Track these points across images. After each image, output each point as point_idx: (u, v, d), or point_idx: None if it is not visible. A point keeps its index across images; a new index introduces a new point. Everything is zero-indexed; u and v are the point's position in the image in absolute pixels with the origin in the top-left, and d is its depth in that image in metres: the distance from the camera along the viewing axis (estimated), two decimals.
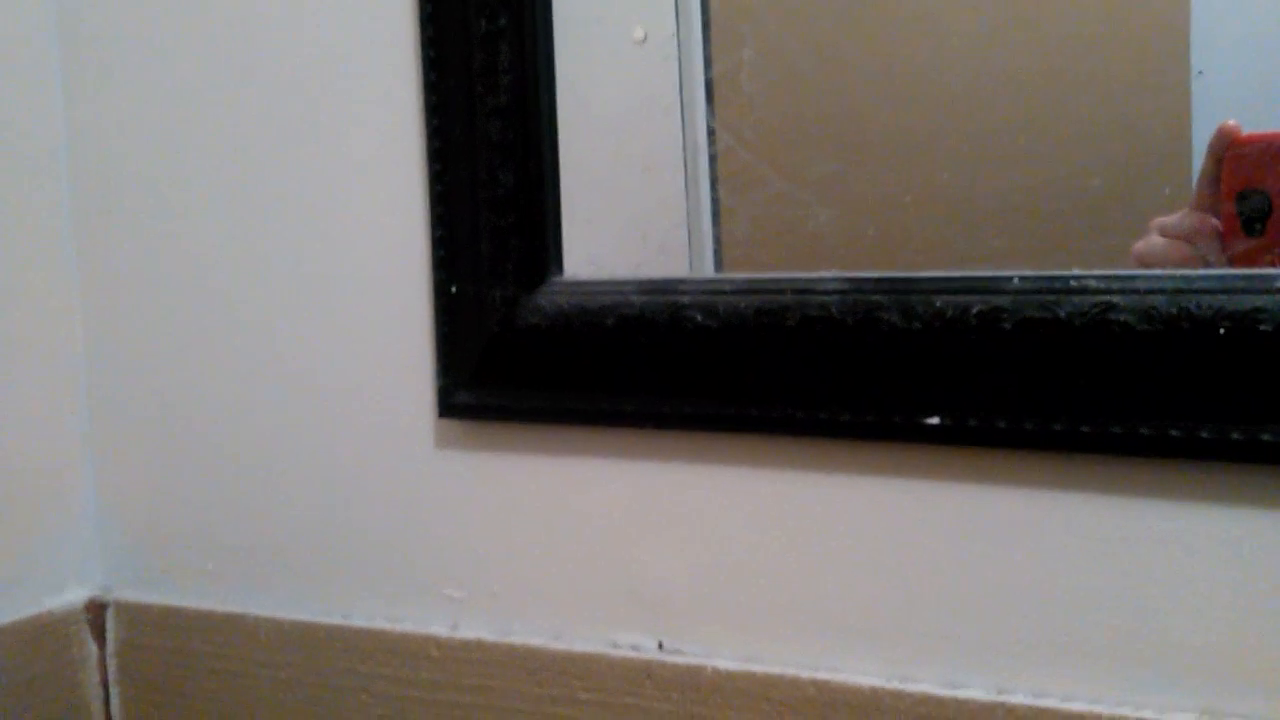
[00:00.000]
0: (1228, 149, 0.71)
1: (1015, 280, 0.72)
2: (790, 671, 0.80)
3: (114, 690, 1.04)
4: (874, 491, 0.78)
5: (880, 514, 0.78)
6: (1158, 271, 0.70)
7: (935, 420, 0.74)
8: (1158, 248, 0.72)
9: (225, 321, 0.98)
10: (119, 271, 1.03)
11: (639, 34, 0.85)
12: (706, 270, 0.85)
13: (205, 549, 1.01)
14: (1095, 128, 0.75)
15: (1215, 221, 0.71)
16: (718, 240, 0.84)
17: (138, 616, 1.03)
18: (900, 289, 0.74)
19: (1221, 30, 0.72)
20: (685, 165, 0.85)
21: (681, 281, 0.81)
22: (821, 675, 0.79)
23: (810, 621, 0.80)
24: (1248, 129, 0.71)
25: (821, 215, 0.80)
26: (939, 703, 0.75)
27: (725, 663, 0.82)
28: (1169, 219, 0.72)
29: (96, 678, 1.03)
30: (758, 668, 0.80)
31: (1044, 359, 0.71)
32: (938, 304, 0.73)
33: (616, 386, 0.83)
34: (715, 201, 0.84)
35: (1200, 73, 0.72)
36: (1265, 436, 0.67)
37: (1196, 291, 0.68)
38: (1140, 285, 0.69)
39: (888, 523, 0.78)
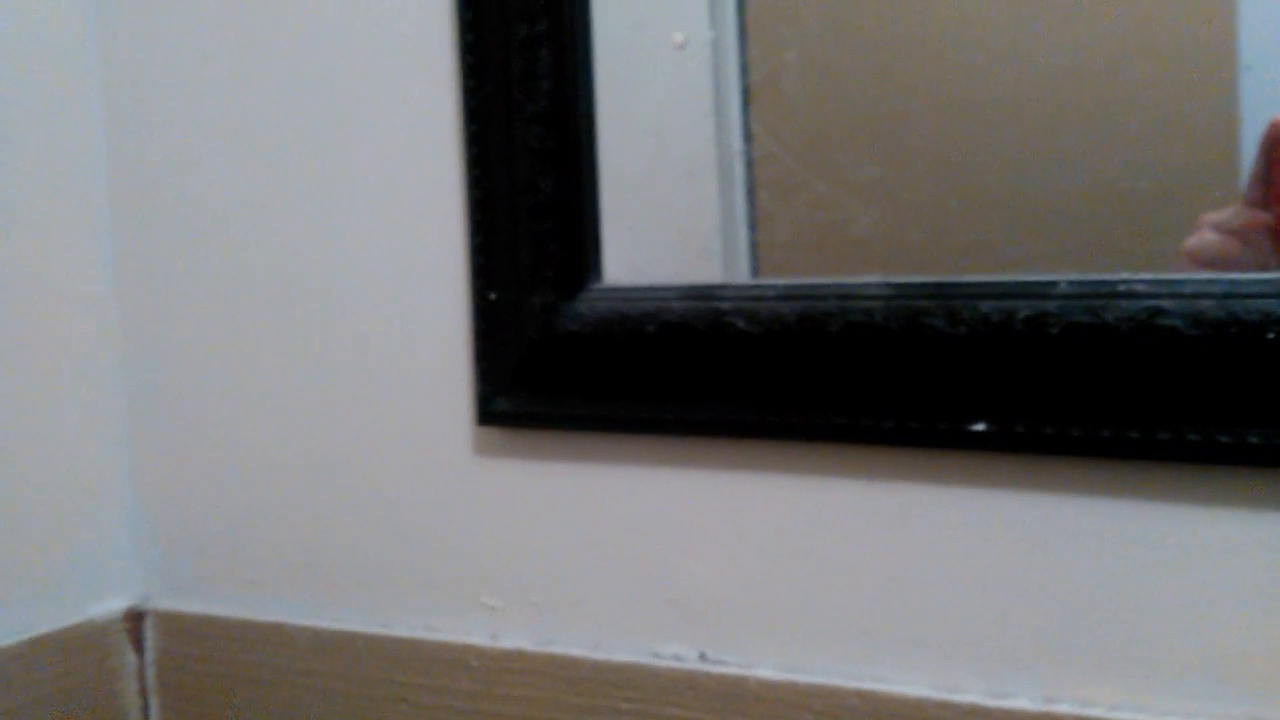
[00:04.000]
0: (1278, 146, 0.70)
1: (1062, 285, 0.71)
2: (834, 682, 0.79)
3: (152, 699, 1.04)
4: (919, 499, 0.77)
5: (925, 522, 0.77)
6: (1206, 275, 0.69)
7: (981, 426, 0.73)
8: (1210, 244, 0.71)
9: (264, 330, 0.98)
10: (157, 279, 1.03)
11: (679, 38, 0.85)
12: (745, 276, 0.84)
13: (243, 558, 1.01)
14: (1142, 127, 0.74)
15: (1268, 218, 0.70)
16: (756, 245, 0.84)
17: (176, 625, 1.03)
18: (945, 294, 0.74)
19: (1270, 23, 0.71)
20: (726, 170, 0.84)
21: (723, 288, 0.81)
22: (866, 685, 0.78)
23: (854, 631, 0.79)
24: None
25: (864, 219, 0.79)
26: (986, 713, 0.75)
27: (768, 673, 0.81)
28: (1221, 215, 0.71)
29: (135, 687, 1.03)
30: (801, 678, 0.80)
31: (1091, 364, 0.70)
32: (983, 309, 0.72)
33: (657, 394, 0.82)
34: (755, 206, 0.83)
35: (1249, 67, 0.71)
36: None
37: (1245, 296, 0.67)
38: (1188, 289, 0.69)
39: (932, 531, 0.77)
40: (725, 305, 0.79)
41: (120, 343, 1.04)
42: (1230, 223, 0.71)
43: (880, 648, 0.79)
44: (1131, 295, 0.69)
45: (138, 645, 1.03)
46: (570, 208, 0.84)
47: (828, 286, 0.77)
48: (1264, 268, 0.70)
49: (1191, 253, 0.72)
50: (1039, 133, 0.77)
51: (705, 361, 0.80)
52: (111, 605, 1.03)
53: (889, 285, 0.76)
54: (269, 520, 1.00)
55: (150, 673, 1.04)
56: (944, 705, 0.76)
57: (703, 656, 0.84)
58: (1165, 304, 0.69)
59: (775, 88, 0.82)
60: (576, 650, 0.87)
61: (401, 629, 0.94)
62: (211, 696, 1.01)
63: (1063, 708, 0.73)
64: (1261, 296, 0.67)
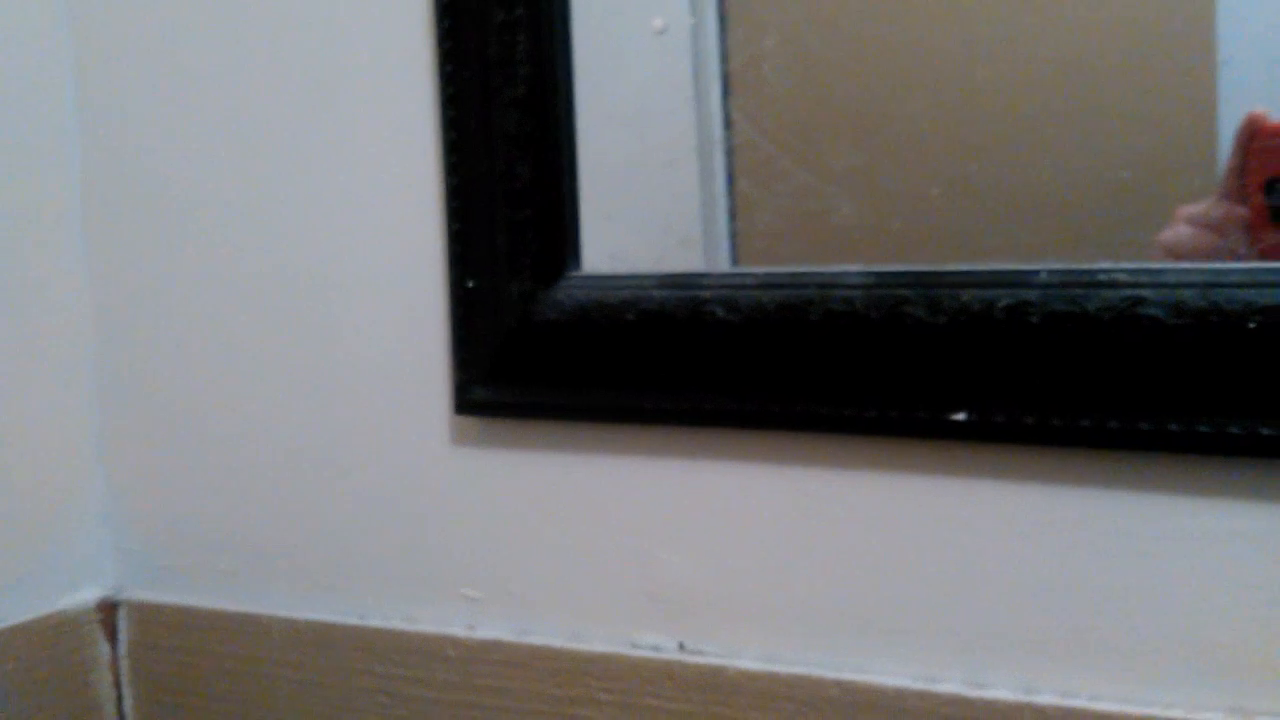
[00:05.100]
0: (1254, 138, 0.70)
1: (1043, 274, 0.71)
2: (813, 672, 0.79)
3: (126, 691, 1.03)
4: (899, 489, 0.77)
5: (905, 512, 0.77)
6: (1187, 265, 0.69)
7: (961, 416, 0.73)
8: (1185, 237, 0.71)
9: (237, 318, 0.98)
10: (129, 268, 1.02)
11: (658, 24, 0.84)
12: (726, 264, 0.84)
13: (218, 548, 1.00)
14: (1121, 118, 0.74)
15: (1243, 211, 0.70)
16: (737, 234, 0.84)
17: (150, 616, 1.02)
18: (926, 283, 0.74)
19: (1248, 17, 0.71)
20: (706, 157, 0.84)
21: (703, 276, 0.80)
22: (845, 676, 0.78)
23: (834, 621, 0.79)
24: (1276, 117, 0.70)
25: (845, 208, 0.79)
26: (965, 703, 0.75)
27: (747, 663, 0.81)
28: (1196, 208, 0.71)
29: (109, 678, 1.03)
30: (780, 668, 0.80)
31: (1072, 354, 0.70)
32: (964, 298, 0.72)
33: (636, 382, 0.82)
34: (735, 194, 0.83)
35: (1227, 61, 0.71)
36: None
37: (1226, 285, 0.67)
38: (1169, 279, 0.69)
39: (912, 520, 0.77)
40: (705, 293, 0.79)
41: (92, 332, 1.04)
42: (1205, 216, 0.71)
43: (860, 638, 0.79)
44: (1113, 284, 0.69)
45: (111, 636, 1.03)
46: (549, 195, 0.83)
47: (808, 275, 0.77)
48: (1241, 261, 0.70)
49: (1166, 246, 0.72)
50: (1020, 122, 0.77)
51: (685, 350, 0.80)
52: (85, 596, 1.02)
53: (869, 274, 0.75)
54: (244, 510, 0.99)
55: (124, 664, 1.03)
56: (924, 695, 0.76)
57: (682, 647, 0.84)
58: (1146, 293, 0.69)
59: (756, 75, 0.82)
60: (555, 641, 0.87)
61: (378, 619, 0.93)
62: (186, 687, 1.00)
63: (1043, 698, 0.73)
64: (1243, 286, 0.67)
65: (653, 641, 0.85)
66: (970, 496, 0.75)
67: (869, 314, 0.74)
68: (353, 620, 0.94)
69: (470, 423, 0.89)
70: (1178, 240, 0.71)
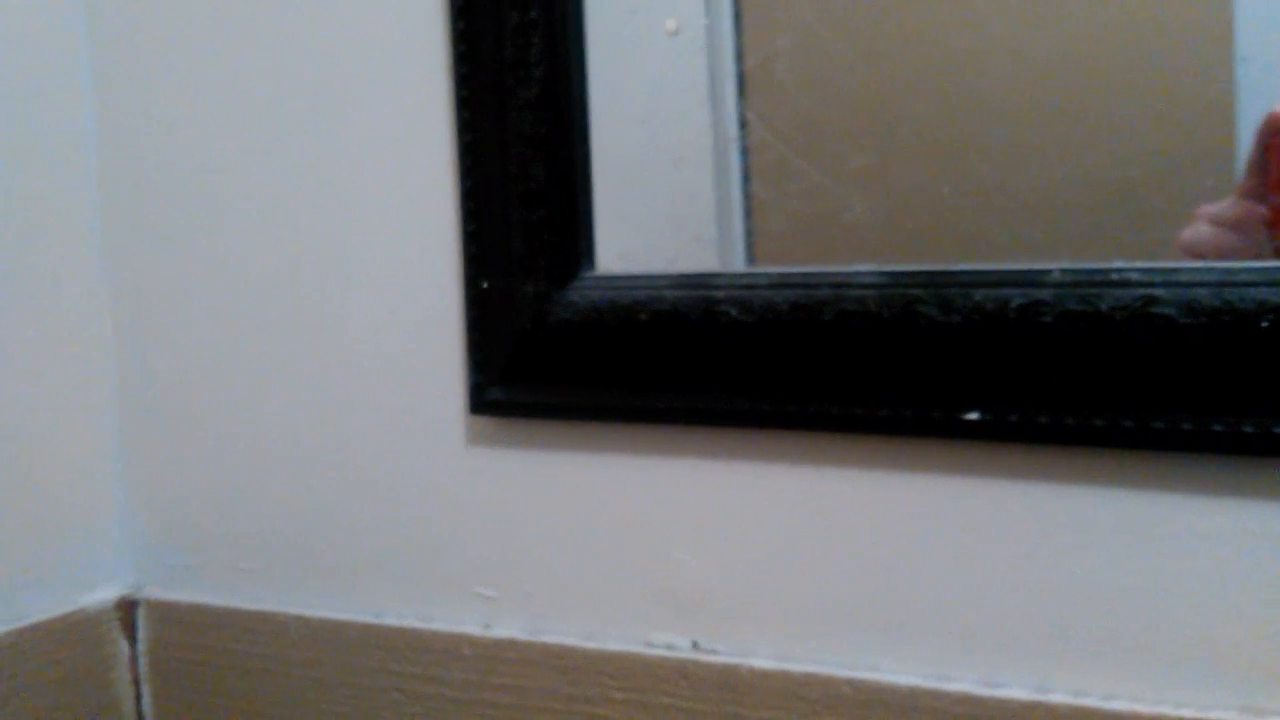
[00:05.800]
0: (1275, 137, 0.70)
1: (1056, 273, 0.71)
2: (826, 670, 0.79)
3: (145, 688, 1.04)
4: (911, 488, 0.77)
5: (918, 511, 0.77)
6: (1200, 264, 0.69)
7: (974, 415, 0.73)
8: (1205, 236, 0.71)
9: (254, 317, 0.98)
10: (147, 267, 1.03)
11: (671, 25, 0.84)
12: (740, 264, 0.84)
13: (236, 547, 1.01)
14: (1137, 117, 0.74)
15: (1263, 210, 0.70)
16: (751, 234, 0.84)
17: (168, 614, 1.03)
18: (939, 282, 0.74)
19: (1267, 14, 0.71)
20: (720, 158, 0.84)
21: (715, 276, 0.80)
22: (858, 674, 0.78)
23: (847, 620, 0.79)
24: None
25: (858, 207, 0.79)
26: (978, 702, 0.75)
27: (761, 662, 0.81)
28: (1216, 207, 0.71)
29: (127, 676, 1.03)
30: (793, 667, 0.80)
31: (1085, 353, 0.70)
32: (977, 297, 0.72)
33: (650, 382, 0.82)
34: (749, 194, 0.83)
35: (1245, 59, 0.71)
36: None
37: (1239, 284, 0.67)
38: (1183, 278, 0.68)
39: (925, 520, 0.77)
40: (718, 294, 0.79)
41: (111, 332, 1.04)
42: (1225, 215, 0.71)
43: (873, 636, 0.79)
44: (1125, 284, 0.69)
45: (130, 634, 1.03)
46: (563, 195, 0.84)
47: (821, 275, 0.77)
48: (1259, 260, 0.70)
49: (1186, 246, 0.72)
50: (1034, 121, 0.76)
51: (698, 350, 0.80)
52: (104, 594, 1.03)
53: (882, 274, 0.75)
54: (261, 509, 0.99)
55: (143, 661, 1.04)
56: (936, 694, 0.76)
57: (695, 646, 0.84)
58: (1159, 292, 0.68)
59: (769, 75, 0.82)
60: (569, 639, 0.87)
61: (394, 618, 0.94)
62: (204, 685, 1.01)
63: (1055, 697, 0.73)
64: (1256, 285, 0.67)
65: (667, 640, 0.85)
66: (983, 496, 0.75)
67: (882, 314, 0.74)
68: (368, 619, 0.94)
69: (485, 423, 0.90)
70: (1197, 239, 0.71)
